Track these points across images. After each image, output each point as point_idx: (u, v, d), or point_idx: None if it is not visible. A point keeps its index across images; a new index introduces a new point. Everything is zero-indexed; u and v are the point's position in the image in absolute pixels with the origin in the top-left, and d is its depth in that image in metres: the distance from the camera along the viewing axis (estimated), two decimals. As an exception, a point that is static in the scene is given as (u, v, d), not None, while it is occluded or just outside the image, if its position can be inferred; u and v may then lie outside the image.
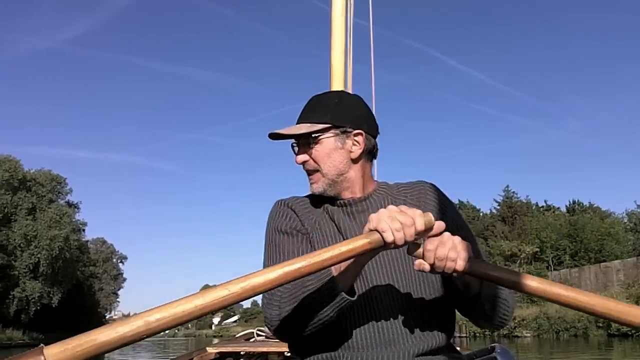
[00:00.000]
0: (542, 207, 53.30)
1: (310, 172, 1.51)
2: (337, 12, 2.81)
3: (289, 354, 3.03)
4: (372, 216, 1.17)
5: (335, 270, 1.24)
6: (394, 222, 1.14)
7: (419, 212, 1.17)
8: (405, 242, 1.15)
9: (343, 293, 1.25)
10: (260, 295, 1.22)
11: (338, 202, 1.52)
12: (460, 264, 1.17)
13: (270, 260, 1.48)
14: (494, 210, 53.71)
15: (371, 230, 1.15)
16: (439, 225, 1.20)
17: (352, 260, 1.18)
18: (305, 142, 1.50)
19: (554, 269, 38.36)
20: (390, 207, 1.18)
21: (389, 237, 1.13)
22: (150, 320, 0.91)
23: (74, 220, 53.05)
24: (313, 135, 1.47)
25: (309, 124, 1.48)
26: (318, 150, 1.48)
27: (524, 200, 52.88)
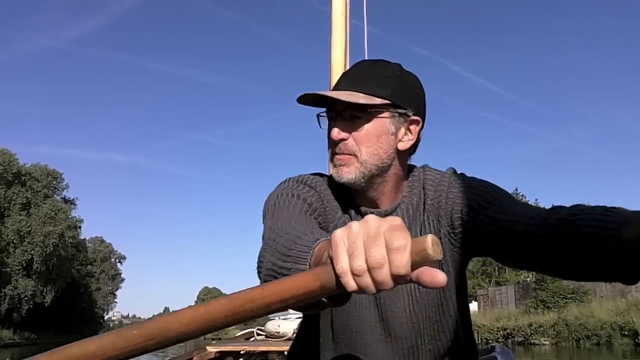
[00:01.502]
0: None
1: (341, 154, 1.18)
2: (337, 13, 2.77)
3: None
4: (335, 235, 0.67)
5: None
6: (357, 257, 0.64)
7: (400, 240, 0.63)
8: (379, 290, 0.65)
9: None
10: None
11: (358, 208, 1.24)
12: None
13: (274, 218, 1.13)
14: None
15: (329, 263, 0.68)
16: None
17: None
18: (349, 116, 1.17)
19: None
20: (370, 218, 0.66)
21: (349, 284, 0.65)
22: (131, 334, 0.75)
23: (70, 216, 52.03)
24: (368, 110, 1.15)
25: (365, 95, 1.14)
26: (367, 129, 1.16)
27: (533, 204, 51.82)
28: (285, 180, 1.28)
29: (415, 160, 1.29)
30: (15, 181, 46.92)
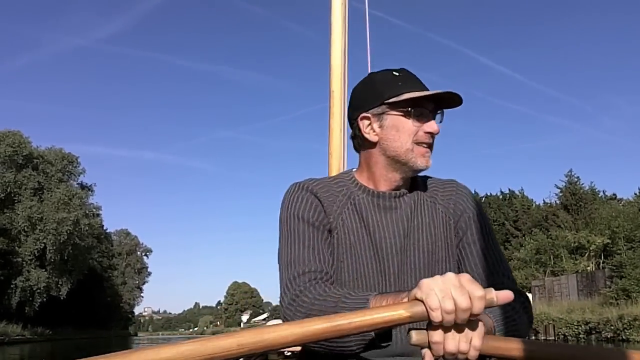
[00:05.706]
0: (602, 197, 47.16)
1: (430, 146, 1.38)
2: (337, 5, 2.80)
3: (289, 354, 2.79)
4: (423, 282, 0.93)
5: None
6: (447, 300, 0.89)
7: (480, 291, 0.90)
8: (456, 325, 0.91)
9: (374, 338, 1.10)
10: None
11: (370, 191, 1.41)
12: (472, 355, 0.93)
13: (288, 248, 1.33)
14: (552, 200, 47.61)
15: (416, 299, 0.92)
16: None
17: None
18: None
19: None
20: (449, 275, 0.92)
21: (436, 317, 0.89)
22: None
23: (86, 203, 48.67)
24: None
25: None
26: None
27: (587, 188, 46.86)
28: (289, 189, 1.42)
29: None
30: (27, 164, 43.81)
